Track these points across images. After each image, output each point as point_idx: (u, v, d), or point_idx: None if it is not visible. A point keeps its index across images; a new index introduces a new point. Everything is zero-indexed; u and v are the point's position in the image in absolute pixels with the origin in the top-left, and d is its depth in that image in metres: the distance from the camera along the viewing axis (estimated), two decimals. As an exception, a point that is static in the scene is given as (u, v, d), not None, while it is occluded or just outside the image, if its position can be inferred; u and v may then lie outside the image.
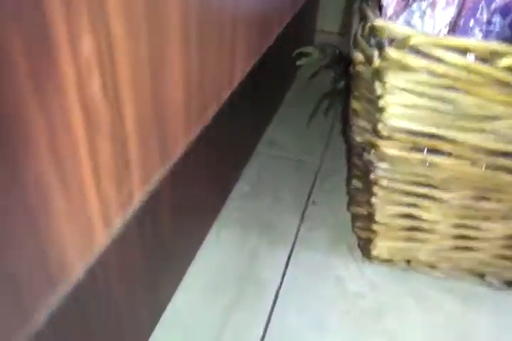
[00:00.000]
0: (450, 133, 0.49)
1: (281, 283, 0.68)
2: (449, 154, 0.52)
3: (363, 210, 0.65)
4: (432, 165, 0.52)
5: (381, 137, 0.52)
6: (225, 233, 0.75)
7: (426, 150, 0.52)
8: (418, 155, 0.52)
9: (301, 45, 1.06)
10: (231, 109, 0.72)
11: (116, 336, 0.51)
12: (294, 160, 0.93)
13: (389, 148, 0.52)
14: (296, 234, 0.76)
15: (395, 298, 0.67)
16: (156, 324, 0.61)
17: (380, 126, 0.50)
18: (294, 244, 0.74)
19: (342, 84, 1.00)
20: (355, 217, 0.67)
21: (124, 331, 0.53)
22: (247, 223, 0.77)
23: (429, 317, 0.64)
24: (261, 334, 0.61)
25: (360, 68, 0.53)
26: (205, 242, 0.73)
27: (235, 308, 0.64)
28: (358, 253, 0.73)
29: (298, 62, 1.01)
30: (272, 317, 0.64)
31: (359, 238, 0.69)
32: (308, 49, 1.02)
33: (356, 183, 0.62)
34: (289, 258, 0.72)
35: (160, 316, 0.62)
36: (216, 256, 0.71)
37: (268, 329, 0.62)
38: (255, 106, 0.91)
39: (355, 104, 0.56)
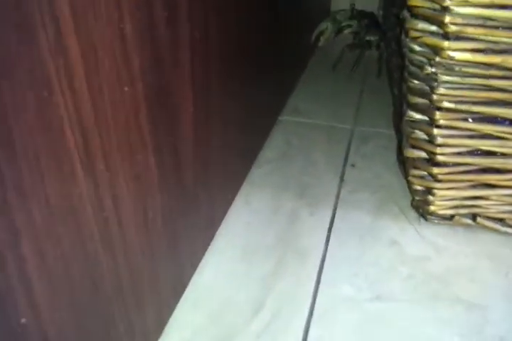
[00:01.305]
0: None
1: (326, 250, 0.57)
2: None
3: (419, 152, 0.54)
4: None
5: (448, 36, 0.43)
6: (255, 197, 0.65)
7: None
8: (496, 58, 0.43)
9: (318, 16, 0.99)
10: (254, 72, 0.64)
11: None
12: (325, 126, 0.83)
13: (457, 51, 0.43)
14: (337, 197, 0.65)
15: (465, 260, 0.56)
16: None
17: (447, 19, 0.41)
18: (335, 207, 0.64)
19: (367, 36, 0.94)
20: (410, 164, 0.56)
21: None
22: (280, 186, 0.67)
23: (509, 280, 0.53)
24: (308, 307, 0.50)
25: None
26: (234, 207, 0.63)
27: (276, 279, 0.53)
28: (412, 214, 0.62)
29: (319, 44, 0.95)
30: (320, 287, 0.53)
31: (414, 192, 0.59)
32: (323, 26, 0.95)
33: (413, 115, 0.51)
34: (332, 222, 0.61)
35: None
36: (247, 222, 0.61)
37: (316, 302, 0.51)
38: (278, 70, 0.82)
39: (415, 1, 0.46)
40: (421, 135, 0.53)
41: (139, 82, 0.31)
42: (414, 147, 0.55)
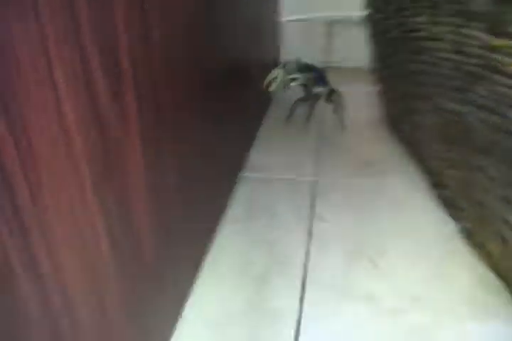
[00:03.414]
0: None
1: (300, 310, 0.55)
2: None
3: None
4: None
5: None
6: (222, 262, 0.63)
7: None
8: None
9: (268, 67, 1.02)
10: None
11: None
12: (286, 180, 0.83)
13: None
14: (307, 253, 0.64)
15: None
16: None
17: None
18: (306, 263, 0.62)
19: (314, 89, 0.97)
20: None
21: None
22: (248, 246, 0.65)
23: None
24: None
25: None
26: (201, 275, 0.61)
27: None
28: (384, 264, 0.61)
29: (270, 89, 0.97)
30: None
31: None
32: (274, 73, 0.98)
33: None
34: (304, 280, 0.59)
35: None
36: (216, 288, 0.58)
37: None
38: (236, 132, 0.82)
39: None
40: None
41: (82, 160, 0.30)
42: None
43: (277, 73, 0.99)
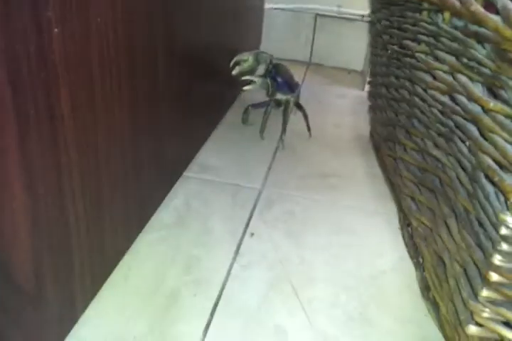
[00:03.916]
0: None
1: (203, 338, 0.51)
2: None
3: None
4: None
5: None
6: (135, 272, 0.58)
7: None
8: None
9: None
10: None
11: None
12: (231, 185, 0.78)
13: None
14: (228, 273, 0.60)
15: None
16: None
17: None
18: (223, 285, 0.58)
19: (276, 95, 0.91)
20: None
21: None
22: (167, 259, 0.61)
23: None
24: None
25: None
26: (109, 283, 0.56)
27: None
28: (304, 294, 0.57)
29: (233, 72, 0.91)
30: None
31: None
32: (244, 56, 0.92)
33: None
34: (215, 304, 0.55)
35: None
36: (121, 304, 0.54)
37: None
38: (188, 124, 0.77)
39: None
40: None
41: None
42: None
43: (247, 57, 0.93)
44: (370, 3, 0.97)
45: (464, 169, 0.44)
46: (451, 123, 0.48)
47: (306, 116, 0.96)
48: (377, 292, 0.59)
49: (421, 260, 0.61)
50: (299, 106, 0.96)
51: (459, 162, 0.45)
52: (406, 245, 0.67)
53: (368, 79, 0.97)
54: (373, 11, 0.90)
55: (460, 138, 0.46)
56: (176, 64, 0.67)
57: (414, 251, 0.63)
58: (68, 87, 0.39)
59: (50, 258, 0.43)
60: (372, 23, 0.94)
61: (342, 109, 1.13)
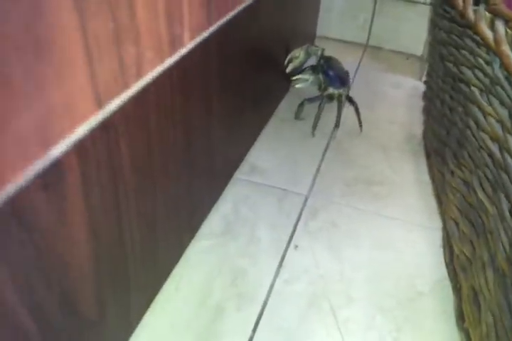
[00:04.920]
0: None
1: (246, 352, 0.56)
2: None
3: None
4: None
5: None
6: (186, 283, 0.63)
7: None
8: None
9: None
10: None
11: None
12: (279, 190, 0.81)
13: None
14: (271, 287, 0.64)
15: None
16: None
17: None
18: (266, 300, 0.62)
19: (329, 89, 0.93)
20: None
21: None
22: (214, 270, 0.65)
23: None
24: None
25: None
26: (163, 293, 0.61)
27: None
28: (341, 314, 0.61)
29: (287, 70, 0.94)
30: None
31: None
32: (296, 53, 0.94)
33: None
34: (258, 320, 0.60)
35: None
36: (172, 316, 0.59)
37: None
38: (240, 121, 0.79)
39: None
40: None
41: None
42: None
43: (299, 54, 0.95)
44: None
45: (505, 230, 0.44)
46: (497, 175, 0.48)
47: (357, 110, 0.96)
48: (413, 315, 0.62)
49: (458, 286, 0.62)
50: (350, 100, 0.96)
51: (502, 221, 0.46)
52: (446, 266, 0.68)
53: (424, 78, 0.94)
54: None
55: (505, 195, 0.46)
56: (229, 53, 0.64)
57: (454, 275, 0.65)
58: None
59: (109, 282, 0.47)
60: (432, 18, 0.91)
61: (396, 101, 1.11)
